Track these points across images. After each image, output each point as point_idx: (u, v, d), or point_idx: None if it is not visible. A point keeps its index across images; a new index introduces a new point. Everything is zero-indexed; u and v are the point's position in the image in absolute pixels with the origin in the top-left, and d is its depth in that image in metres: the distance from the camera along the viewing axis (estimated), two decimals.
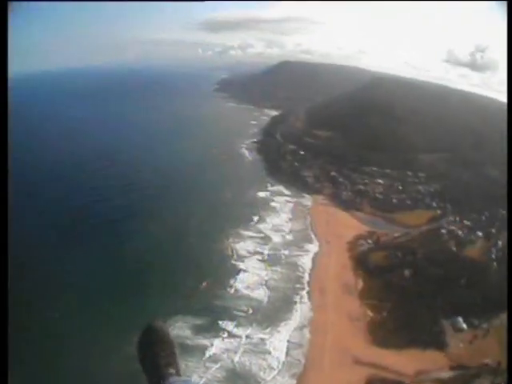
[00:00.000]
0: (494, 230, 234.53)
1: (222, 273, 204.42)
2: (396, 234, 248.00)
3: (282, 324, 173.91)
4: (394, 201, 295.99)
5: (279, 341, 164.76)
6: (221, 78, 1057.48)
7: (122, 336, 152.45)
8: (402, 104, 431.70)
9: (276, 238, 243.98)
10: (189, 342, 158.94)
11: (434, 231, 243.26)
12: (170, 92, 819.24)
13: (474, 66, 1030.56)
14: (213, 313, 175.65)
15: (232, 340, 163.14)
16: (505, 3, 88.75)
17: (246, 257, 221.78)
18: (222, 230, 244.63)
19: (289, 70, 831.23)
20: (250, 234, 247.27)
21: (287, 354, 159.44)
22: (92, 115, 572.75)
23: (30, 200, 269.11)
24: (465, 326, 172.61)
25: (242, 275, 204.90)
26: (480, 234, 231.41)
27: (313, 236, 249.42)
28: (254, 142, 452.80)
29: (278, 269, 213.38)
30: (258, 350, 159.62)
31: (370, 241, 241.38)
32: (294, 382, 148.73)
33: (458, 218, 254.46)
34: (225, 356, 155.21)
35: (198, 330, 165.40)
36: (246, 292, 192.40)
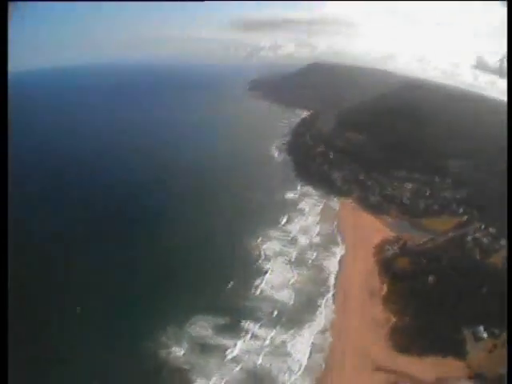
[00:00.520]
0: None
1: (247, 273, 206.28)
2: (422, 240, 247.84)
3: (305, 327, 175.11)
4: (421, 206, 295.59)
5: (301, 344, 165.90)
6: (252, 78, 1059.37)
7: (146, 334, 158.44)
8: (432, 109, 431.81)
9: (303, 240, 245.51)
10: (211, 341, 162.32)
11: (460, 238, 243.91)
12: (202, 91, 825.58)
13: (502, 72, 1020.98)
14: (236, 313, 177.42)
15: (254, 341, 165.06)
16: (505, 3, 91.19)
17: (272, 258, 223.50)
18: (249, 230, 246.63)
19: (319, 71, 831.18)
20: (278, 235, 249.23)
21: (308, 357, 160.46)
22: (125, 113, 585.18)
23: (56, 195, 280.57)
24: (485, 335, 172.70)
25: (267, 276, 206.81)
26: (503, 242, 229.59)
27: (339, 239, 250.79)
28: (284, 142, 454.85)
29: (304, 271, 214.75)
30: (280, 352, 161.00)
31: (395, 246, 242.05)
32: None
33: (483, 226, 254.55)
34: (246, 357, 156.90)
35: (221, 330, 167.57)
36: (270, 293, 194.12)
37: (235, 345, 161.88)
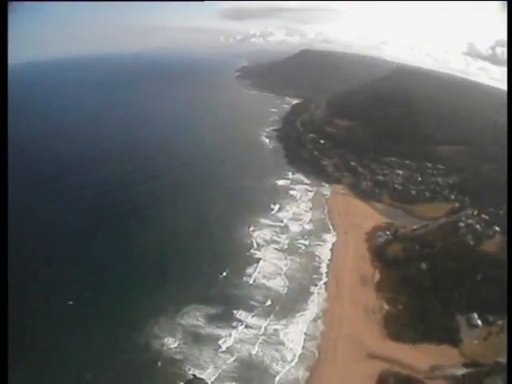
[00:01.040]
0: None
1: (240, 262, 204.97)
2: (414, 226, 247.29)
3: (298, 315, 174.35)
4: (413, 192, 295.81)
5: (294, 332, 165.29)
6: (242, 65, 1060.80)
7: (138, 325, 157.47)
8: (423, 96, 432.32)
9: (294, 228, 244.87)
10: (204, 331, 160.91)
11: (452, 224, 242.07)
12: (192, 79, 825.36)
13: (494, 59, 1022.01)
14: (229, 302, 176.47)
15: (247, 331, 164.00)
16: (505, 3, 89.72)
17: (264, 246, 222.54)
18: (241, 218, 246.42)
19: (309, 58, 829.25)
20: (269, 222, 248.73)
21: (302, 346, 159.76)
22: (115, 103, 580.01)
23: (51, 186, 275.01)
24: (479, 322, 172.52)
25: (259, 264, 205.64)
26: (497, 228, 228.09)
27: (331, 226, 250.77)
28: (275, 129, 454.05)
29: (296, 259, 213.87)
30: (273, 341, 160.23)
31: (388, 232, 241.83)
32: (308, 374, 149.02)
33: (476, 212, 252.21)
34: (240, 347, 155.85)
35: (214, 320, 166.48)
36: (262, 281, 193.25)
37: (229, 335, 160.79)
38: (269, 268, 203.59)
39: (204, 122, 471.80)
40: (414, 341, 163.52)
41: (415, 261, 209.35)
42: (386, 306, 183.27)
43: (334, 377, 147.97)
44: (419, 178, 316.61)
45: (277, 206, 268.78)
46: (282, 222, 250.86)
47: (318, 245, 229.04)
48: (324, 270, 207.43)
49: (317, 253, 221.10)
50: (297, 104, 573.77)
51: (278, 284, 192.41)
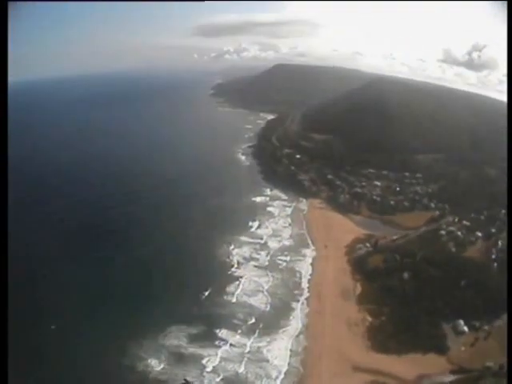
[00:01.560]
0: (494, 230, 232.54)
1: (221, 281, 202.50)
2: (394, 237, 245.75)
3: (281, 331, 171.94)
4: (392, 203, 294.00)
5: (278, 349, 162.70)
6: (216, 82, 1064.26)
7: (119, 343, 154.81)
8: (398, 105, 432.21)
9: (274, 244, 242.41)
10: (188, 351, 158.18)
11: (433, 232, 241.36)
12: (167, 98, 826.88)
13: (470, 65, 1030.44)
14: (212, 321, 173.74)
15: (231, 349, 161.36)
16: (505, 3, 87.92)
17: (244, 263, 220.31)
18: (221, 236, 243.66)
19: (284, 73, 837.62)
20: (249, 239, 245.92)
21: (286, 362, 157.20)
22: (90, 123, 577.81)
23: (32, 209, 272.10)
24: (466, 328, 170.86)
25: (240, 282, 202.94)
26: (480, 234, 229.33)
27: (310, 241, 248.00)
28: (250, 146, 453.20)
29: (277, 275, 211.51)
30: (258, 358, 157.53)
31: (368, 244, 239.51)
32: None
33: (456, 219, 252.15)
34: (225, 366, 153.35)
35: (198, 340, 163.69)
36: (244, 299, 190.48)
37: (214, 354, 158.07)
38: (250, 285, 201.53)
39: (180, 141, 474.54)
40: (399, 351, 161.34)
41: (397, 271, 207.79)
42: (369, 318, 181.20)
43: None
44: (398, 188, 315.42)
45: (256, 223, 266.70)
46: (261, 238, 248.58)
47: (298, 260, 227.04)
48: (305, 285, 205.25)
49: (297, 268, 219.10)
50: (272, 119, 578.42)
51: (260, 301, 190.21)
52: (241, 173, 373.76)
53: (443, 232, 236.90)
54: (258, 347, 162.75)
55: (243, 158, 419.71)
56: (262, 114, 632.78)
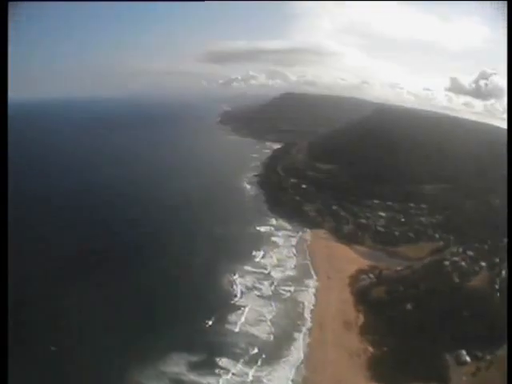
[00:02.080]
0: (497, 260, 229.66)
1: (224, 310, 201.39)
2: (398, 268, 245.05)
3: (282, 361, 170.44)
4: (396, 233, 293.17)
5: (279, 379, 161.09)
6: (224, 110, 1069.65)
7: (118, 369, 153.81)
8: (404, 135, 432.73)
9: (277, 274, 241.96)
10: (189, 380, 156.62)
11: (437, 263, 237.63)
12: (175, 125, 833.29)
13: (477, 93, 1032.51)
14: (214, 350, 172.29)
15: (233, 378, 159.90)
16: (505, 3, 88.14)
17: (247, 293, 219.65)
18: (225, 265, 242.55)
19: (291, 102, 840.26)
20: (252, 269, 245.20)
21: None
22: (93, 148, 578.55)
23: (28, 232, 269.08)
24: (468, 358, 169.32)
25: (243, 312, 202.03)
26: (483, 264, 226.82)
27: (314, 271, 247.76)
28: (256, 175, 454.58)
29: (280, 305, 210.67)
30: None
31: (371, 275, 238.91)
32: None
33: (461, 249, 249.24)
34: None
35: (199, 369, 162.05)
36: (247, 329, 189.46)
37: (215, 383, 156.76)
38: (253, 315, 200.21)
39: (186, 168, 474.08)
40: (400, 383, 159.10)
41: (400, 302, 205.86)
42: (371, 349, 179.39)
43: None
44: (402, 219, 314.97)
45: (260, 253, 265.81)
46: (265, 268, 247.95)
47: (301, 290, 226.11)
48: (308, 315, 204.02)
49: (300, 299, 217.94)
50: (278, 149, 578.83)
51: (262, 331, 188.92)
52: (246, 202, 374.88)
53: (447, 263, 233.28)
54: (260, 377, 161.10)
55: (248, 186, 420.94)
56: (268, 143, 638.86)
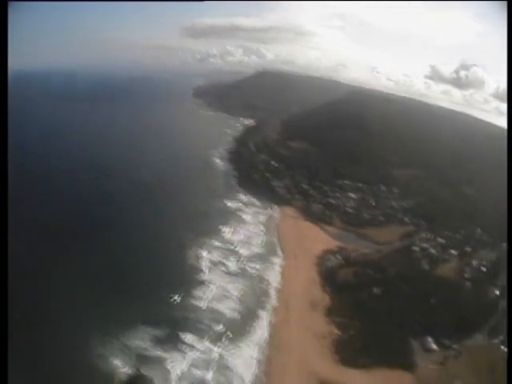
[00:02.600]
0: (468, 249, 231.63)
1: (189, 285, 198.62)
2: (366, 251, 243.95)
3: (246, 340, 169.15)
4: (366, 216, 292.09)
5: (242, 358, 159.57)
6: (198, 84, 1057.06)
7: (81, 340, 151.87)
8: (379, 119, 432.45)
9: (244, 251, 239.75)
10: (151, 355, 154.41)
11: (406, 248, 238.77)
12: (148, 98, 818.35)
13: (457, 83, 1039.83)
14: (177, 326, 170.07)
15: (192, 354, 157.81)
16: (505, 3, 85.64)
17: (213, 269, 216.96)
18: (191, 240, 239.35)
19: (266, 79, 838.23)
20: (220, 245, 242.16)
21: (249, 371, 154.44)
22: (68, 121, 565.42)
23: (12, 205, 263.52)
24: (435, 346, 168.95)
25: (208, 288, 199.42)
26: (454, 252, 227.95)
27: (281, 249, 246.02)
28: (227, 150, 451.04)
29: (245, 282, 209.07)
30: (220, 366, 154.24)
31: (339, 256, 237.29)
32: None
33: (431, 236, 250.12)
34: (186, 372, 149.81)
35: (158, 342, 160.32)
36: (211, 305, 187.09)
37: (175, 359, 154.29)
38: (218, 291, 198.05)
39: (157, 142, 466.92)
40: (366, 366, 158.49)
41: (367, 285, 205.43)
42: (337, 332, 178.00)
43: None
44: (373, 202, 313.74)
45: (228, 229, 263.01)
46: (232, 244, 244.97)
47: (268, 268, 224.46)
48: (273, 294, 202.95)
49: (266, 277, 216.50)
50: (251, 125, 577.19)
51: (227, 307, 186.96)
52: (216, 176, 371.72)
53: (417, 248, 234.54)
54: (223, 354, 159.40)
55: (219, 161, 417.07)
56: (241, 119, 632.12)
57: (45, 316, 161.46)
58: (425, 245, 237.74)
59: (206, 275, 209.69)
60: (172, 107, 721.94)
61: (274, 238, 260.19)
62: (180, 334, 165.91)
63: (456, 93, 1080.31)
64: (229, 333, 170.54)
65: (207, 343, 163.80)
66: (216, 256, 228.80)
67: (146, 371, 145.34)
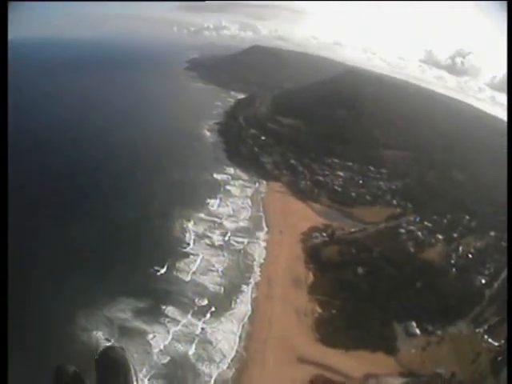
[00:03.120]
0: (455, 235, 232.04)
1: (172, 257, 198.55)
2: (352, 229, 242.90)
3: (228, 314, 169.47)
4: (353, 195, 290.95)
5: (223, 332, 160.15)
6: (191, 57, 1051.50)
7: (67, 311, 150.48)
8: (372, 99, 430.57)
9: (230, 224, 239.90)
10: (133, 326, 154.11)
11: (392, 230, 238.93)
12: (140, 69, 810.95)
13: (452, 69, 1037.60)
14: (159, 298, 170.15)
15: (174, 328, 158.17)
16: (505, 3, 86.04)
17: (198, 241, 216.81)
18: (177, 212, 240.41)
19: (260, 55, 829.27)
20: (205, 217, 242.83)
21: (230, 346, 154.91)
22: (56, 87, 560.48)
23: None
24: (418, 331, 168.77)
25: (192, 260, 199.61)
26: (440, 237, 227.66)
27: (267, 224, 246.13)
28: (217, 123, 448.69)
29: (229, 256, 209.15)
30: (200, 340, 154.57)
31: (324, 234, 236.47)
32: (236, 375, 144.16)
33: (418, 219, 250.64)
34: (167, 345, 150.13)
35: (141, 314, 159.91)
36: (194, 278, 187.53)
37: (157, 332, 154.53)
38: (201, 264, 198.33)
39: (148, 112, 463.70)
40: (347, 347, 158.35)
41: (351, 265, 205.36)
42: (319, 310, 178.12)
43: (262, 379, 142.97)
44: (360, 181, 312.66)
45: (215, 201, 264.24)
46: (217, 217, 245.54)
47: (253, 243, 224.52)
48: (257, 268, 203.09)
49: (250, 251, 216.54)
50: (242, 99, 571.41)
51: (210, 281, 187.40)
52: (204, 148, 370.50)
53: (403, 230, 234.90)
54: (203, 328, 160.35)
55: (208, 133, 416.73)
56: (233, 93, 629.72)
57: (26, 289, 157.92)
58: (411, 227, 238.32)
59: (191, 248, 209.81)
60: (164, 79, 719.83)
61: (260, 212, 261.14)
62: (162, 306, 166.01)
63: (451, 79, 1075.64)
64: (212, 307, 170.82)
65: (190, 317, 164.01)
66: (203, 229, 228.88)
67: (126, 343, 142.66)
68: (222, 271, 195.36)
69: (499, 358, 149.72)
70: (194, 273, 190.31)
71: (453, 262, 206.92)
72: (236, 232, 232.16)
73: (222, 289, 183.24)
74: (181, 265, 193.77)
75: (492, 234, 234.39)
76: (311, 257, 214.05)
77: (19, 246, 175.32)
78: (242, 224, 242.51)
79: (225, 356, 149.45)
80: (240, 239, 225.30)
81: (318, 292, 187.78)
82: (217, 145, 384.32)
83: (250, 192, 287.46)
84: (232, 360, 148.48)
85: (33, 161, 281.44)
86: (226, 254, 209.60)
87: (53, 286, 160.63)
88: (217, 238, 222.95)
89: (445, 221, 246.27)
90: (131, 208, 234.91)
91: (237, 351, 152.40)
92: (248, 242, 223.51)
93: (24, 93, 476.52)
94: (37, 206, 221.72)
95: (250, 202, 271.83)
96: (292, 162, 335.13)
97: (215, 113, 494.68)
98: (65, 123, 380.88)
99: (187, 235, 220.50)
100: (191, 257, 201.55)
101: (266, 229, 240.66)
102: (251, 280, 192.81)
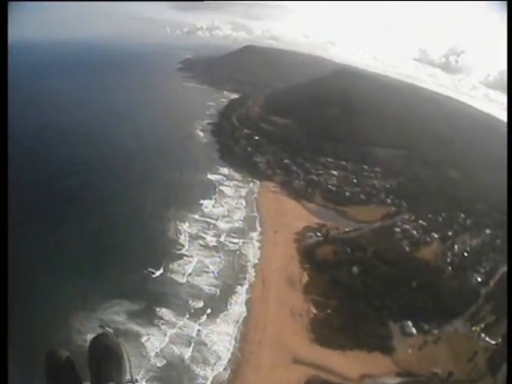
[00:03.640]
0: (451, 233, 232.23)
1: (166, 258, 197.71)
2: (347, 229, 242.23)
3: (222, 315, 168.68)
4: (347, 194, 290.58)
5: (218, 333, 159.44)
6: (184, 57, 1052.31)
7: (61, 313, 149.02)
8: (364, 97, 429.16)
9: (224, 225, 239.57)
10: (127, 329, 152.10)
11: (387, 229, 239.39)
12: (134, 70, 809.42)
13: (446, 67, 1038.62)
14: (153, 300, 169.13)
15: (169, 330, 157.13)
16: (505, 3, 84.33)
17: (191, 242, 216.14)
18: (171, 213, 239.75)
19: (253, 54, 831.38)
20: (199, 218, 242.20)
21: (225, 348, 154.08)
22: (52, 91, 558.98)
23: None
24: (414, 330, 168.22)
25: (186, 261, 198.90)
26: (436, 235, 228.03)
27: (261, 225, 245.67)
28: (210, 123, 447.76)
29: (224, 257, 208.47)
30: (195, 341, 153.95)
31: (319, 233, 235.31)
32: (232, 377, 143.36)
33: (413, 217, 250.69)
34: (161, 347, 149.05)
35: (135, 317, 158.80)
36: (188, 279, 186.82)
37: (152, 334, 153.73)
38: (196, 266, 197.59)
39: (141, 113, 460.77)
40: (343, 347, 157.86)
41: (346, 264, 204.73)
42: (314, 310, 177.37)
43: (258, 381, 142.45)
44: (355, 180, 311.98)
45: (209, 202, 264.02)
46: (211, 218, 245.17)
47: (247, 243, 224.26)
48: (251, 269, 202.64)
49: (244, 251, 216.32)
50: (235, 99, 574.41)
51: (204, 282, 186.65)
52: (198, 149, 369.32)
53: (398, 229, 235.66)
54: (198, 330, 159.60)
55: (202, 134, 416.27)
56: (226, 93, 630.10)
57: (18, 291, 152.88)
58: (406, 226, 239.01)
59: (186, 249, 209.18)
60: (157, 79, 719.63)
61: (254, 212, 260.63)
62: (157, 308, 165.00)
63: (444, 77, 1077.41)
64: (206, 308, 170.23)
65: (185, 319, 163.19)
66: (196, 230, 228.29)
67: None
68: (217, 273, 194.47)
69: (496, 357, 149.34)
70: (188, 274, 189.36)
71: (448, 260, 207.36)
72: (230, 233, 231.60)
73: (218, 290, 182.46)
74: (175, 266, 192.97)
75: (487, 231, 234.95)
76: (306, 257, 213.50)
77: (10, 247, 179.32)
78: (236, 225, 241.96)
79: (220, 358, 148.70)
80: (235, 240, 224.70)
81: (313, 292, 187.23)
82: (210, 145, 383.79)
83: (244, 192, 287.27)
84: (227, 362, 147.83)
85: (25, 162, 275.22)
86: (220, 255, 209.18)
87: (46, 289, 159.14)
88: (211, 239, 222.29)
89: (440, 219, 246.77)
90: (125, 209, 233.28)
91: (232, 353, 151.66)
92: (243, 243, 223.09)
93: (16, 93, 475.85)
94: (29, 207, 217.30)
95: (244, 203, 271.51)
96: (285, 161, 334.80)
97: (208, 113, 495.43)
98: (57, 124, 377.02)
99: (182, 237, 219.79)
100: (186, 258, 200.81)
101: (260, 229, 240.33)
102: (246, 281, 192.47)
